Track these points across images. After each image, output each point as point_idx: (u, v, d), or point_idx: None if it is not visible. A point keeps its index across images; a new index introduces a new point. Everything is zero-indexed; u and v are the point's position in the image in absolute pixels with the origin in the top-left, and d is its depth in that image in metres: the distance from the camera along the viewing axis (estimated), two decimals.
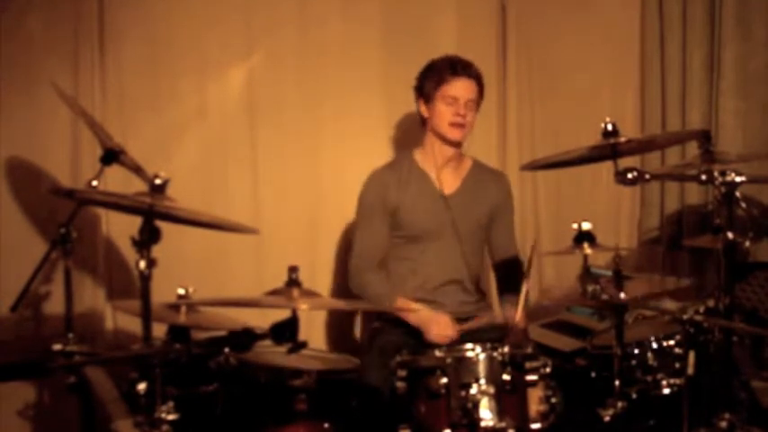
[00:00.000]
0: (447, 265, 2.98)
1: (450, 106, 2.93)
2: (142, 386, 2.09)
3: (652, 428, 2.53)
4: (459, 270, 3.00)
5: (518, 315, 2.59)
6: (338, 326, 3.55)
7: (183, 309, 2.38)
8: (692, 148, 2.69)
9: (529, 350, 2.33)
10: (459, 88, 2.93)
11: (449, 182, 3.03)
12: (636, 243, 3.68)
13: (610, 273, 2.47)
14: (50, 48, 3.06)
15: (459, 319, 2.87)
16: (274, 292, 2.17)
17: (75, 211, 2.55)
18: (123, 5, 3.15)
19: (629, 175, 2.26)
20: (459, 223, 2.98)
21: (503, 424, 2.17)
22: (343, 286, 3.37)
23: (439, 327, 2.77)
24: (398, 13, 3.60)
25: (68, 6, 3.08)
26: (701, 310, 2.16)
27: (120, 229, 3.06)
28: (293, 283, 2.15)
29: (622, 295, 2.29)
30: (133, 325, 2.65)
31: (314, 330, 3.47)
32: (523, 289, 2.61)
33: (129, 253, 2.59)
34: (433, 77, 2.97)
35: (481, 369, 2.22)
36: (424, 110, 3.00)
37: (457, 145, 3.00)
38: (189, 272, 3.06)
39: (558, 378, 2.37)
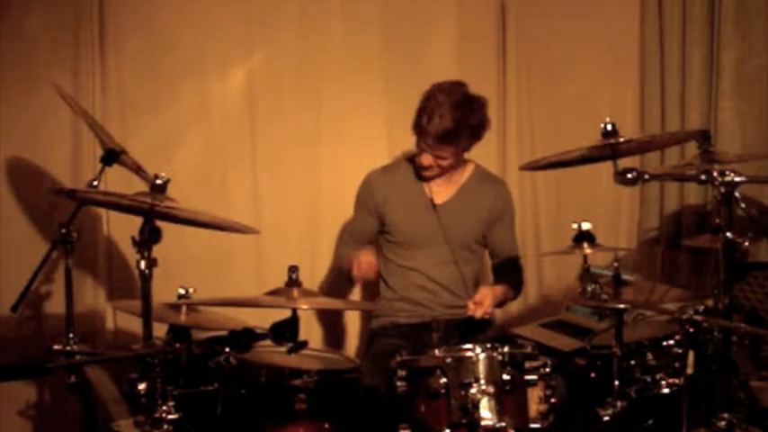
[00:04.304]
0: (437, 271, 2.97)
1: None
2: (143, 386, 2.10)
3: (651, 428, 2.53)
4: (451, 277, 2.98)
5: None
6: (334, 326, 3.56)
7: (184, 309, 2.40)
8: (692, 149, 2.69)
9: (528, 350, 2.33)
10: (427, 159, 2.90)
11: (441, 191, 3.01)
12: (635, 243, 3.68)
13: (610, 273, 2.48)
14: (51, 48, 3.07)
15: (447, 321, 2.90)
16: (274, 292, 2.18)
17: (75, 211, 2.56)
18: (124, 6, 3.16)
19: (629, 175, 2.26)
20: (449, 232, 2.97)
21: (502, 424, 2.17)
22: (342, 286, 3.40)
23: (358, 263, 2.85)
24: (398, 13, 3.59)
25: (69, 7, 3.09)
26: (701, 309, 2.15)
27: (121, 229, 3.07)
28: (293, 283, 2.16)
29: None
30: (133, 325, 2.67)
31: (312, 330, 3.49)
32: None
33: (129, 253, 2.60)
34: (414, 127, 2.89)
35: (481, 369, 2.22)
36: None
37: None
38: (189, 272, 3.07)
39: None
